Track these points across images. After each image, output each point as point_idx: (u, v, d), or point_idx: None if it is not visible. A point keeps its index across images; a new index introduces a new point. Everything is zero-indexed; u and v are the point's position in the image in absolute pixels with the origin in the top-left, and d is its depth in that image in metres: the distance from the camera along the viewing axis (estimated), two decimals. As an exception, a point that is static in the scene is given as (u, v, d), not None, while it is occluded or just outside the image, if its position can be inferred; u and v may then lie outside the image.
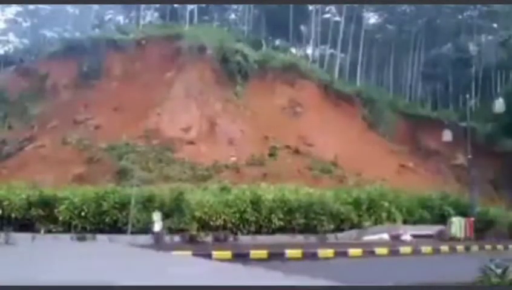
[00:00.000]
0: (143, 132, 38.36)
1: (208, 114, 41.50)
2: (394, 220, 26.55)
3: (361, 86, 53.80)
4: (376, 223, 25.87)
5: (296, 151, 40.31)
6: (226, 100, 43.35)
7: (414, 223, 27.25)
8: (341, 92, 49.44)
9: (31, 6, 65.70)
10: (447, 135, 31.35)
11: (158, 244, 18.56)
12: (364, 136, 46.26)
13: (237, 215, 24.14)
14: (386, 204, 26.66)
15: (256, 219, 24.34)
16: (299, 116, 45.21)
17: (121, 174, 31.57)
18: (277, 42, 61.55)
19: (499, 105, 30.40)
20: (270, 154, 38.78)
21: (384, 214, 26.36)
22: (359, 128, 47.46)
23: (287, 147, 40.39)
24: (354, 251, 18.29)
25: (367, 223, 25.53)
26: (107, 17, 69.85)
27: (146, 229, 21.53)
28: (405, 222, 26.90)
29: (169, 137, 38.44)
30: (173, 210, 23.68)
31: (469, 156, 29.71)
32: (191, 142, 38.68)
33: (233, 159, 37.11)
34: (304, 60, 53.07)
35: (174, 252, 15.39)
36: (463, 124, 32.29)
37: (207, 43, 45.04)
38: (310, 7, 58.40)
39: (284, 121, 43.41)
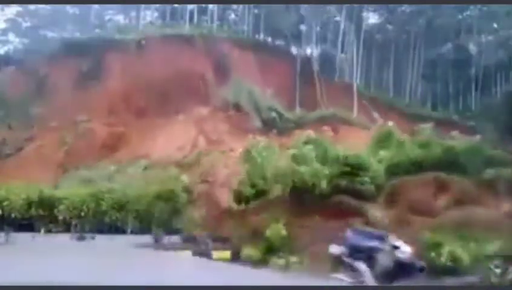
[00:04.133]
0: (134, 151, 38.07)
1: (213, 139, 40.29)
2: None
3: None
4: None
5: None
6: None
7: None
8: None
9: (31, 6, 65.41)
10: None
11: (158, 244, 18.56)
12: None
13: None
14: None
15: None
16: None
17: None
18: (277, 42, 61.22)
19: None
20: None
21: None
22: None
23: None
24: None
25: None
26: (107, 17, 69.69)
27: (145, 229, 21.55)
28: None
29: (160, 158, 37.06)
30: (172, 210, 23.73)
31: None
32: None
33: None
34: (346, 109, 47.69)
35: (174, 252, 15.39)
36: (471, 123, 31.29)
37: (241, 101, 43.74)
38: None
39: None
